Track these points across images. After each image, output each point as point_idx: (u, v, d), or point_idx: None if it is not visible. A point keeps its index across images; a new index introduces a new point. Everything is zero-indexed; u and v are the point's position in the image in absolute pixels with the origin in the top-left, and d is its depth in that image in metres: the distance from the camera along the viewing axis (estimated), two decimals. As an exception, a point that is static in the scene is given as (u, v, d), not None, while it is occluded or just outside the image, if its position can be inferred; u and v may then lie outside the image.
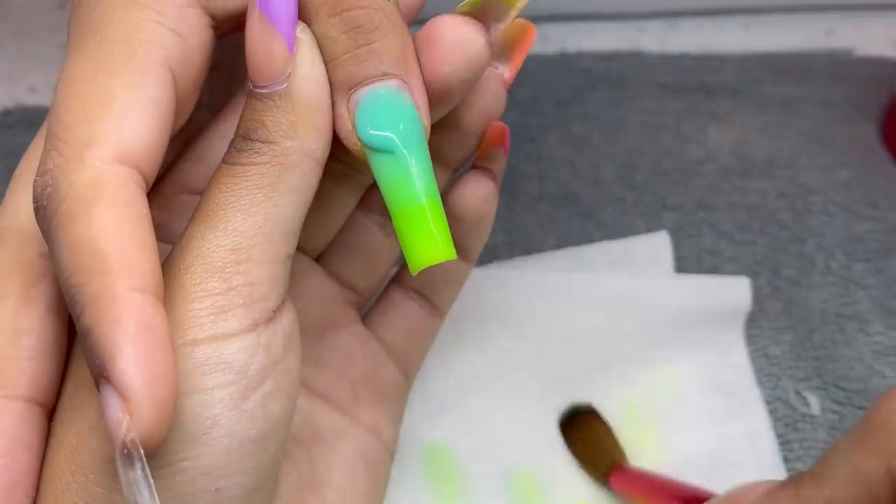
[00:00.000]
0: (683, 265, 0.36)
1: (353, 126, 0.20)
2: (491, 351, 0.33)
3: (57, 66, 0.45)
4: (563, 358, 0.33)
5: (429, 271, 0.26)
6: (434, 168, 0.23)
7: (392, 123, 0.20)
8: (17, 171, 0.23)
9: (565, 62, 0.45)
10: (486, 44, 0.21)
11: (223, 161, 0.20)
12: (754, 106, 0.43)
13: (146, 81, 0.19)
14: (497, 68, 0.24)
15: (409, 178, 0.20)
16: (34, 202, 0.19)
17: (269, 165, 0.20)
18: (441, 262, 0.20)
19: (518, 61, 0.24)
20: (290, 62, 0.20)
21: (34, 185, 0.19)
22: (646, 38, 0.47)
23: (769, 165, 0.40)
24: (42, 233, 0.19)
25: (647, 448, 0.31)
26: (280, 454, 0.21)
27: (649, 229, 0.37)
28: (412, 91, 0.20)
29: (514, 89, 0.43)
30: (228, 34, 0.22)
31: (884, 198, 0.39)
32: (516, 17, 0.22)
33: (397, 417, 0.28)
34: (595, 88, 0.44)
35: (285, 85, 0.20)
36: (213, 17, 0.21)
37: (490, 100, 0.24)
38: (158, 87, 0.19)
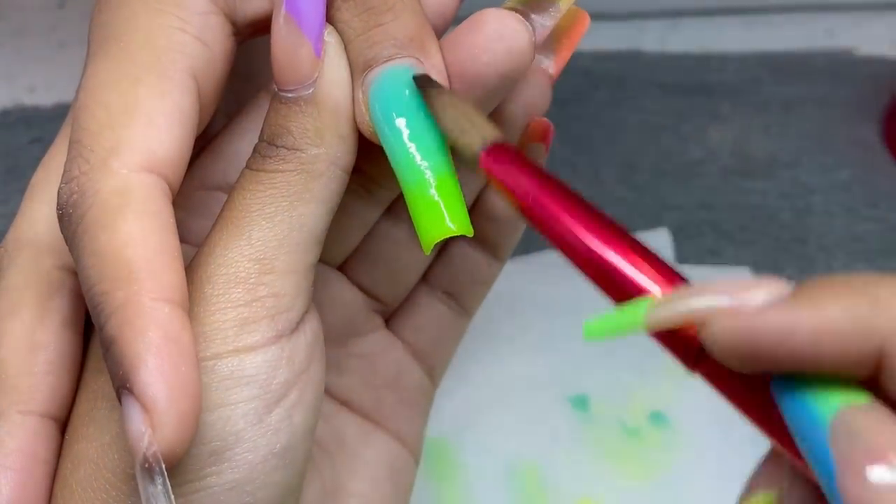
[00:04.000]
0: (684, 265, 0.36)
1: (366, 108, 0.19)
2: (494, 339, 0.33)
3: (57, 66, 0.45)
4: (566, 347, 0.33)
5: (457, 271, 0.26)
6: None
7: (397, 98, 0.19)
8: (33, 181, 0.22)
9: (565, 62, 0.45)
10: (529, 41, 0.20)
11: (248, 167, 0.20)
12: (754, 106, 0.43)
13: (171, 89, 0.19)
14: (542, 63, 0.23)
15: (407, 152, 0.19)
16: (59, 209, 0.18)
17: (294, 173, 0.19)
18: (452, 235, 0.19)
19: (566, 54, 0.23)
20: (317, 66, 0.19)
21: (59, 192, 0.18)
22: (646, 38, 0.47)
23: (770, 165, 0.40)
24: (66, 240, 0.18)
25: (652, 441, 0.31)
26: (305, 466, 0.20)
27: (650, 229, 0.37)
28: (428, 70, 0.19)
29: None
30: (248, 39, 0.22)
31: (884, 198, 0.39)
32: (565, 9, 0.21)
33: (422, 421, 0.27)
34: (595, 88, 0.44)
35: (311, 90, 0.19)
36: (234, 24, 0.21)
37: (534, 93, 0.23)
38: (183, 95, 0.19)
